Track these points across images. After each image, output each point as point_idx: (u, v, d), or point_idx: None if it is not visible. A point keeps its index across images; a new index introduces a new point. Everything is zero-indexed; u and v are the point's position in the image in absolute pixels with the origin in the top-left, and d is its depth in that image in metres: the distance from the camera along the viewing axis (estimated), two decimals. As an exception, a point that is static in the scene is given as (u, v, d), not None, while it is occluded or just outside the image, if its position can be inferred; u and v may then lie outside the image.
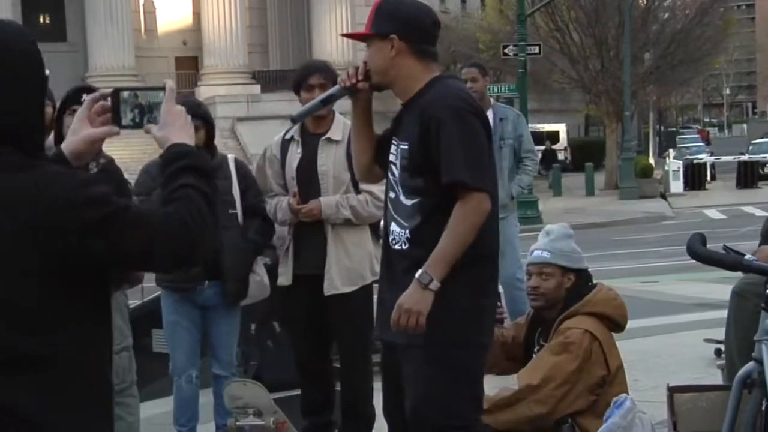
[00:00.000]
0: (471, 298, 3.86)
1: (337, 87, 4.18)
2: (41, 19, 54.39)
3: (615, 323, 4.91)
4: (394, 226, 4.00)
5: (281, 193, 6.20)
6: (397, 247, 3.99)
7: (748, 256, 3.81)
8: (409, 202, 3.94)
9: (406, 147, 3.96)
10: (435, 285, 3.77)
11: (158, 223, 2.45)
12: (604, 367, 4.75)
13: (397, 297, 3.88)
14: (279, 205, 6.14)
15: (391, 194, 4.08)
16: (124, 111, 2.63)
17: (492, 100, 9.24)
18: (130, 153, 36.30)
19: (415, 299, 3.78)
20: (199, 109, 6.25)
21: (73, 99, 5.53)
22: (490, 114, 8.73)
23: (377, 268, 6.18)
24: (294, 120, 4.87)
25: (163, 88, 2.61)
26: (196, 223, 2.49)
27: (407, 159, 3.94)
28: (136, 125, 2.63)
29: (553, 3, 37.93)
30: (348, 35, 4.84)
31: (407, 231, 3.95)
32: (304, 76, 6.12)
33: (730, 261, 3.82)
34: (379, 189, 6.13)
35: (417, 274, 3.77)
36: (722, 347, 8.38)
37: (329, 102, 4.30)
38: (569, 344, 4.73)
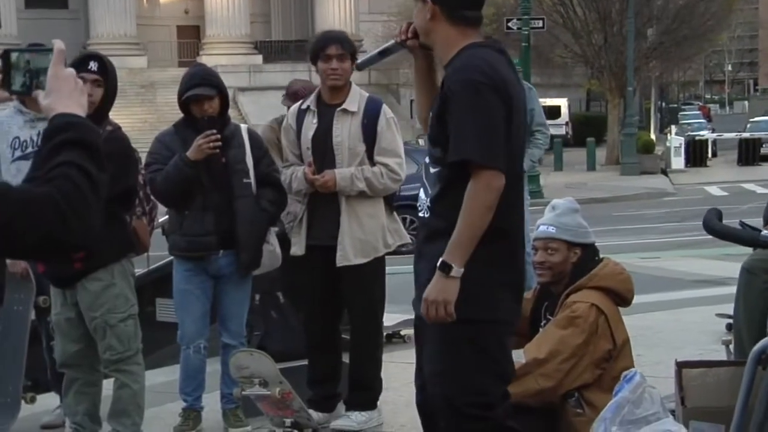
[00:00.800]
0: (481, 273, 3.77)
1: (392, 41, 4.11)
2: (43, -14, 54.24)
3: (621, 298, 4.91)
4: (421, 193, 4.00)
5: (296, 163, 6.19)
6: (421, 214, 4.00)
7: (765, 232, 3.79)
8: (433, 170, 3.91)
9: (431, 115, 3.92)
10: (457, 271, 3.70)
11: (24, 201, 2.14)
12: (611, 341, 4.75)
13: (420, 266, 3.89)
14: (294, 174, 6.14)
15: (426, 159, 4.07)
16: (14, 75, 2.39)
17: None
18: (132, 122, 36.26)
19: (438, 289, 3.74)
20: (212, 77, 6.24)
21: (79, 66, 5.50)
22: None
23: (390, 240, 6.21)
24: (359, 67, 4.82)
25: (52, 50, 2.35)
26: (72, 206, 2.17)
27: (430, 127, 3.90)
28: (27, 91, 2.39)
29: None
30: None
31: (429, 199, 3.94)
32: (322, 46, 6.10)
33: (746, 236, 3.81)
34: (394, 161, 6.15)
35: (438, 263, 3.72)
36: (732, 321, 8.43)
37: (386, 54, 4.22)
38: (575, 318, 4.74)
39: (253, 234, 6.24)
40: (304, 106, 6.21)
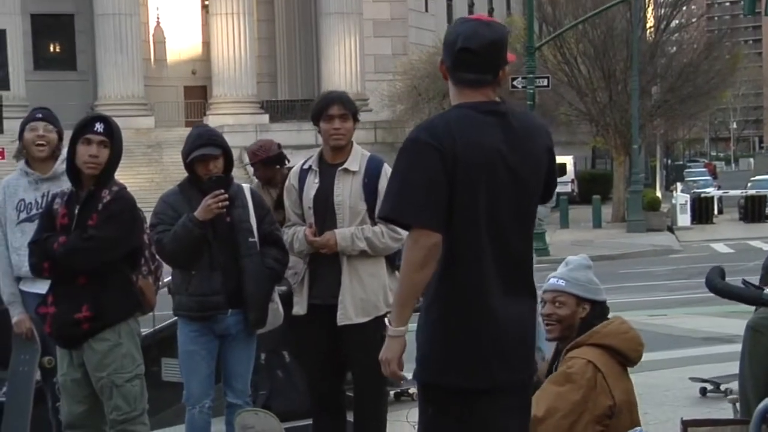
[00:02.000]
0: (433, 335, 3.74)
1: None
2: (51, 48, 54.67)
3: (625, 357, 4.85)
4: None
5: (298, 222, 6.20)
6: None
7: (767, 290, 3.79)
8: None
9: None
10: (392, 330, 3.73)
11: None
12: (610, 398, 4.70)
13: None
14: (296, 235, 6.15)
15: None
16: None
17: None
18: (138, 182, 36.37)
19: (384, 347, 3.78)
20: (217, 137, 6.30)
21: (85, 128, 5.56)
22: None
23: (391, 299, 6.19)
24: None
25: None
26: None
27: None
28: None
29: (561, 36, 38.04)
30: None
31: None
32: (324, 106, 6.13)
33: (749, 295, 3.80)
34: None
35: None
36: (707, 386, 8.43)
37: None
38: (571, 374, 4.69)
39: (261, 292, 6.25)
40: (306, 166, 6.23)
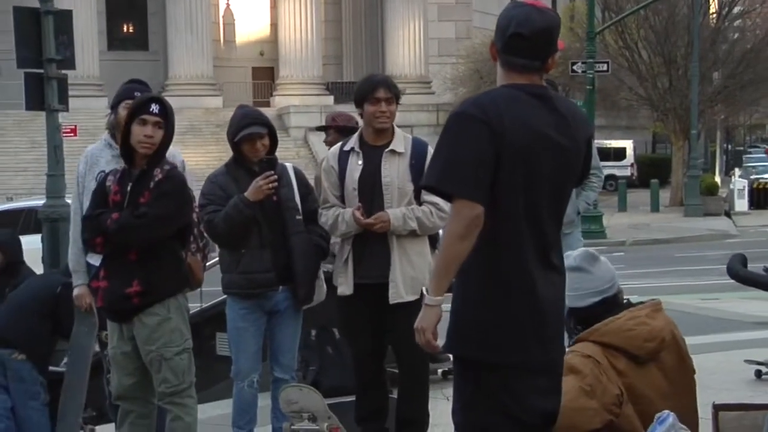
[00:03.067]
0: (471, 312, 3.74)
1: None
2: (125, 28, 55.21)
3: (628, 353, 4.72)
4: None
5: (337, 204, 6.19)
6: None
7: (789, 278, 3.74)
8: None
9: None
10: (429, 299, 3.73)
11: None
12: (617, 387, 4.63)
13: None
14: (341, 216, 6.12)
15: None
16: None
17: None
18: (207, 160, 36.65)
19: (419, 316, 3.78)
20: (263, 117, 6.35)
21: (141, 108, 5.59)
22: None
23: None
24: None
25: None
26: None
27: None
28: None
29: (622, 21, 37.65)
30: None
31: None
32: (371, 88, 6.12)
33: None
34: (442, 200, 6.15)
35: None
36: (763, 369, 8.31)
37: None
38: (572, 366, 4.61)
39: (309, 269, 6.30)
40: (346, 148, 6.21)
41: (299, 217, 6.28)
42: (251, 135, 6.20)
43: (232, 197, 6.16)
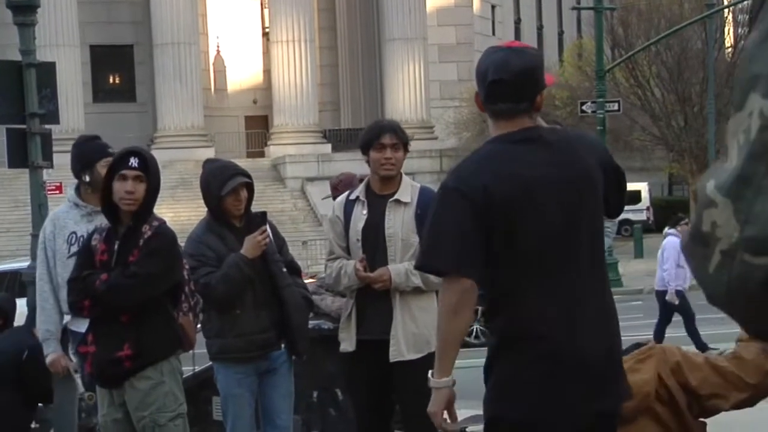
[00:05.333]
0: (506, 373, 3.82)
1: None
2: (111, 79, 55.46)
3: None
4: None
5: (343, 255, 6.21)
6: None
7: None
8: None
9: None
10: (434, 383, 3.87)
11: None
12: None
13: None
14: (344, 269, 6.13)
15: None
16: None
17: None
18: (199, 214, 36.71)
19: (431, 401, 3.91)
20: (239, 166, 6.41)
21: (120, 163, 5.62)
22: None
23: None
24: None
25: None
26: None
27: None
28: None
29: (633, 58, 37.85)
30: None
31: None
32: (376, 134, 6.14)
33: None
34: None
35: None
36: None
37: None
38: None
39: (304, 321, 6.39)
40: (352, 197, 6.25)
41: (285, 270, 6.32)
42: (238, 186, 6.23)
43: (222, 257, 6.15)
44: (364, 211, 6.17)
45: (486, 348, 3.93)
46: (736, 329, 3.82)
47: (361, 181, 7.61)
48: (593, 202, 3.87)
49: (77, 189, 6.63)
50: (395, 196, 6.15)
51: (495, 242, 3.72)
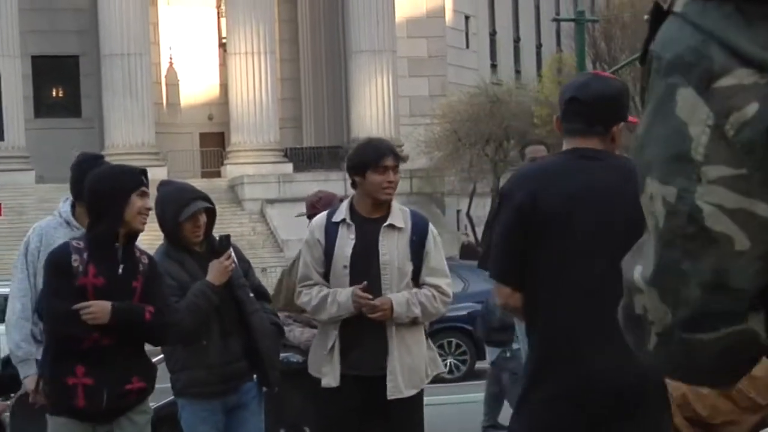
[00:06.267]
0: (523, 390, 4.07)
1: None
2: (54, 93, 55.26)
3: None
4: None
5: (322, 282, 6.16)
6: None
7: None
8: None
9: None
10: None
11: None
12: None
13: None
14: (331, 297, 6.08)
15: None
16: None
17: None
18: (149, 239, 36.55)
19: None
20: (198, 190, 6.38)
21: (140, 180, 5.62)
22: None
23: (429, 369, 6.23)
24: None
25: None
26: None
27: None
28: None
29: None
30: None
31: None
32: (378, 156, 6.12)
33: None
34: (445, 283, 6.20)
35: None
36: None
37: None
38: None
39: (275, 349, 6.37)
40: (336, 219, 6.19)
41: (252, 295, 6.30)
42: (198, 211, 6.19)
43: (184, 285, 6.11)
44: (352, 236, 6.13)
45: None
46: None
47: (341, 200, 7.52)
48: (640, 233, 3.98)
49: (73, 206, 6.53)
50: (389, 221, 6.14)
51: (531, 251, 4.00)
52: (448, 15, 58.07)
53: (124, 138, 49.35)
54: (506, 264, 4.05)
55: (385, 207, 6.17)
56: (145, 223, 5.54)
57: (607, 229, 3.97)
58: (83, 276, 5.43)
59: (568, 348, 3.95)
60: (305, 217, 8.21)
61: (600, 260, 3.93)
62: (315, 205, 8.12)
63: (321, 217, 6.34)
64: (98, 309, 5.35)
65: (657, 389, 4.05)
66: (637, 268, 1.53)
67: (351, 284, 6.07)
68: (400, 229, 6.13)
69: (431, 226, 6.30)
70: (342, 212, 6.21)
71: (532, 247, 3.97)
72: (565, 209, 3.97)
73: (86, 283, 5.44)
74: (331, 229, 6.19)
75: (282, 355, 6.57)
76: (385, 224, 6.12)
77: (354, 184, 6.19)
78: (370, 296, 6.03)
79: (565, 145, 4.20)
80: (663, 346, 1.44)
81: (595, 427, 3.96)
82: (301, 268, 6.29)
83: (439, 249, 6.27)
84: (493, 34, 63.49)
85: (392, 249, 6.10)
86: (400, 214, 6.18)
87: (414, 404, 6.17)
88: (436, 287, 6.14)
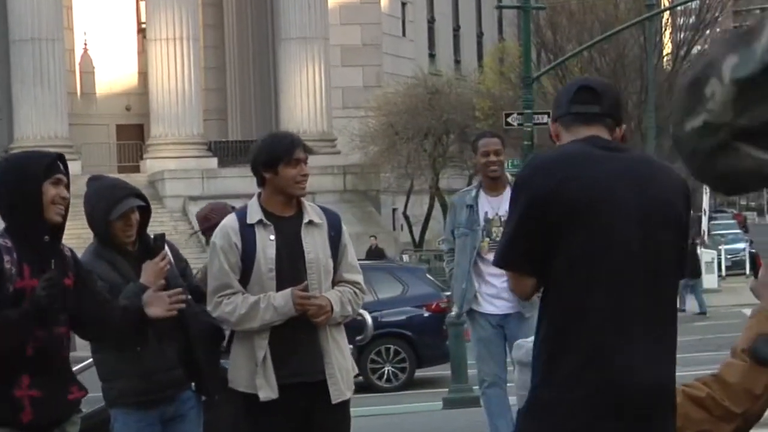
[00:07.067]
0: (543, 392, 4.05)
1: None
2: (-42, 80, 54.69)
3: None
4: None
5: (242, 290, 6.13)
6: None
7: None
8: None
9: None
10: None
11: None
12: None
13: None
14: (264, 302, 6.06)
15: None
16: None
17: (510, 176, 9.39)
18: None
19: None
20: (132, 185, 6.32)
21: (53, 167, 5.42)
22: (508, 194, 8.86)
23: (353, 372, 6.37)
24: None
25: None
26: None
27: None
28: None
29: (563, 64, 38.31)
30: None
31: None
32: (289, 148, 6.14)
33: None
34: (361, 279, 6.33)
35: None
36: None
37: None
38: None
39: (214, 357, 6.34)
40: (251, 220, 6.16)
41: (189, 297, 6.24)
42: (130, 210, 6.12)
43: (116, 287, 6.03)
44: (272, 237, 6.13)
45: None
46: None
47: (233, 208, 7.25)
48: (668, 233, 4.09)
49: None
50: (308, 218, 6.17)
51: (548, 242, 4.00)
52: (384, 1, 58.17)
53: (35, 130, 48.93)
54: (516, 253, 4.07)
55: (295, 204, 6.20)
56: (61, 215, 5.32)
57: (639, 218, 4.01)
58: (19, 278, 5.27)
59: (597, 344, 3.98)
60: (202, 232, 8.15)
61: (632, 251, 4.00)
62: (208, 217, 8.00)
63: (231, 220, 6.26)
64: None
65: (673, 390, 4.15)
66: (732, 59, 1.49)
67: (278, 287, 6.07)
68: (318, 225, 6.18)
69: (342, 222, 6.40)
70: (255, 213, 6.18)
71: (555, 238, 3.97)
72: (593, 198, 3.98)
73: (24, 287, 5.24)
74: (247, 232, 6.16)
75: (222, 361, 6.52)
76: (306, 221, 6.15)
77: (262, 182, 6.17)
78: (316, 296, 6.06)
79: (567, 134, 4.20)
80: (705, 137, 1.42)
81: (624, 427, 4.01)
82: (217, 277, 6.19)
83: (351, 244, 6.39)
84: (431, 21, 63.68)
85: (316, 247, 6.14)
86: (313, 210, 6.23)
87: (347, 408, 6.27)
88: (355, 283, 6.23)
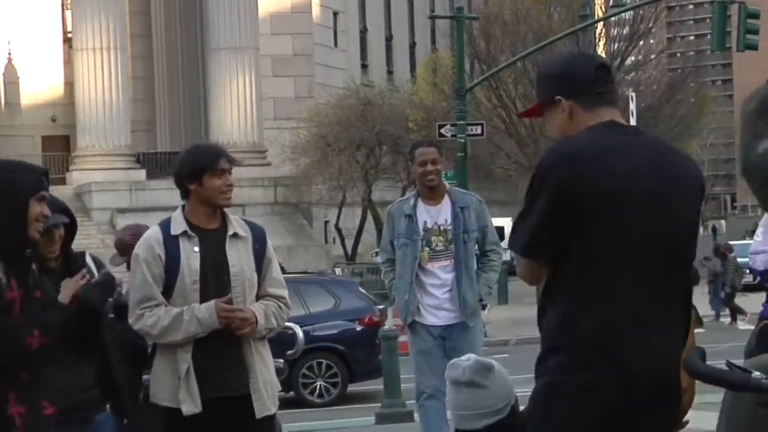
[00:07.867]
0: (555, 379, 4.12)
1: None
2: None
3: None
4: None
5: (165, 302, 6.12)
6: None
7: (756, 374, 3.83)
8: None
9: None
10: None
11: None
12: None
13: None
14: (189, 314, 6.05)
15: None
16: None
17: (448, 185, 9.44)
18: None
19: None
20: (57, 200, 6.24)
21: (41, 184, 5.38)
22: (446, 203, 8.91)
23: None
24: None
25: None
26: None
27: None
28: None
29: (496, 75, 38.49)
30: (524, 114, 4.96)
31: None
32: (214, 159, 6.16)
33: (735, 379, 3.85)
34: (286, 293, 6.35)
35: None
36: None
37: None
38: None
39: (134, 376, 6.32)
40: (175, 232, 6.16)
41: (111, 315, 6.20)
42: (54, 226, 6.06)
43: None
44: (196, 248, 6.14)
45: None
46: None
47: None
48: (688, 223, 4.18)
49: None
50: (233, 230, 6.18)
51: (570, 230, 4.03)
52: (315, 10, 58.23)
53: (-43, 141, 48.52)
54: (525, 239, 4.11)
55: (219, 216, 6.21)
56: (39, 232, 5.32)
57: (659, 206, 4.07)
58: (8, 289, 5.23)
59: (612, 330, 4.03)
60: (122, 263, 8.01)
61: (651, 239, 4.06)
62: (126, 241, 7.75)
63: (155, 231, 6.25)
64: None
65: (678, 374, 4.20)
66: None
67: (202, 300, 6.07)
68: (243, 238, 6.19)
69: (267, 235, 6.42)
70: (179, 224, 6.18)
71: (578, 227, 4.01)
72: (617, 187, 4.02)
73: (15, 297, 5.19)
74: (171, 243, 6.16)
75: (144, 377, 6.48)
76: (230, 234, 6.15)
77: (186, 194, 6.17)
78: (241, 308, 6.06)
79: (589, 118, 4.16)
80: None
81: (635, 415, 4.07)
82: (139, 289, 6.17)
83: (276, 258, 6.41)
84: (363, 31, 63.83)
85: (241, 260, 6.15)
86: (237, 223, 6.24)
87: (273, 423, 6.29)
88: (280, 298, 6.24)
